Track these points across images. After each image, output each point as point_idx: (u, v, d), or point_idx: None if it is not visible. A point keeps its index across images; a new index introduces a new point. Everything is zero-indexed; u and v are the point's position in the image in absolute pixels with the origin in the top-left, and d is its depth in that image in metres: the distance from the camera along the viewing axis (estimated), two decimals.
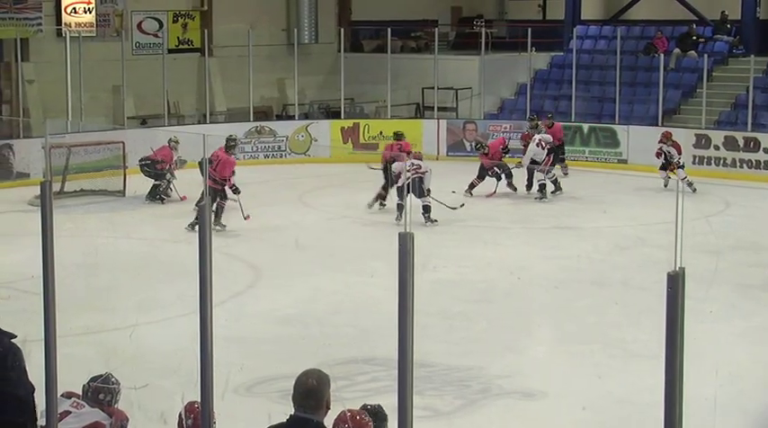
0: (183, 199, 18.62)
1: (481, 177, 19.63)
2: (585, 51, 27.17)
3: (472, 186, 19.51)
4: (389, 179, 17.61)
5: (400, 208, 16.68)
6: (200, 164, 17.84)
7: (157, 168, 18.93)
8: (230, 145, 16.91)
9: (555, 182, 19.67)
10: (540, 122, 21.08)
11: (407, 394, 4.05)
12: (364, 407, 5.93)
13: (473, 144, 21.69)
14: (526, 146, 20.20)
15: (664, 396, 3.57)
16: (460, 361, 10.46)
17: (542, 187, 19.23)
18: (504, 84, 26.70)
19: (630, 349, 10.72)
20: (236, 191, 16.51)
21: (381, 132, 24.72)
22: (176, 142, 19.00)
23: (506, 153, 20.16)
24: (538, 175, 19.26)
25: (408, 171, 16.66)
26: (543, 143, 19.68)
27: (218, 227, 15.85)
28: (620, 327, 11.58)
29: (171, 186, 19.02)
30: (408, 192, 16.52)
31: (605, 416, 9.28)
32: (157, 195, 18.97)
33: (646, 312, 11.14)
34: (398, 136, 19.45)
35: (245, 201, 16.57)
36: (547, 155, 19.64)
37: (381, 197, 18.00)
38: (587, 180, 21.31)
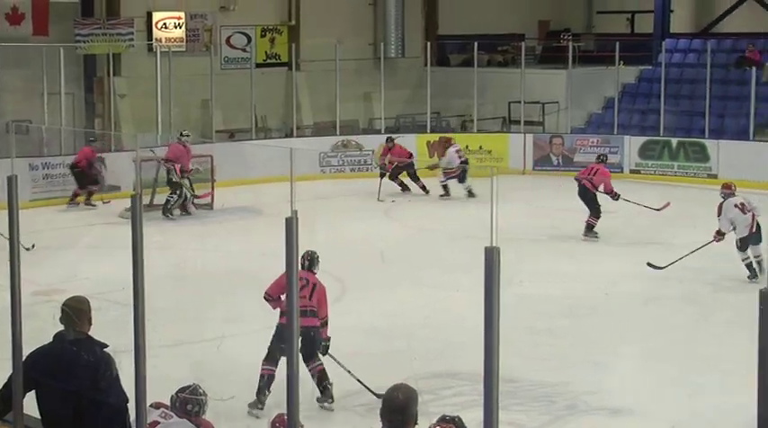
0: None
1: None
2: (675, 65, 26.85)
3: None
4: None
5: None
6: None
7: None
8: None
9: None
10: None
11: (493, 409, 4.03)
12: (443, 418, 5.91)
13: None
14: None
15: (757, 416, 3.51)
16: (546, 376, 10.38)
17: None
18: (591, 98, 26.49)
19: (721, 367, 10.54)
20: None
21: (467, 146, 24.67)
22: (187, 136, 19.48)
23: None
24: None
25: None
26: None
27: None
28: (711, 345, 11.40)
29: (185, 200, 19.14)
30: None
31: None
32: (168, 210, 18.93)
33: (737, 329, 10.93)
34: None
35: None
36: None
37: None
38: (676, 195, 21.00)
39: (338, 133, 24.58)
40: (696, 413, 9.50)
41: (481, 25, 29.12)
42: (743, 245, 14.05)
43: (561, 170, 24.13)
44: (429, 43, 26.96)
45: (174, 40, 24.75)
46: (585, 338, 11.82)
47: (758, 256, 14.17)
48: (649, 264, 14.20)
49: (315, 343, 9.65)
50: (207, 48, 24.95)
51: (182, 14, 24.97)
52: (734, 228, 14.07)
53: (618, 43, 25.22)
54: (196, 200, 19.50)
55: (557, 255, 15.98)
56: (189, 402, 6.75)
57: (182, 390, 6.80)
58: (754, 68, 24.00)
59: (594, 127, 25.97)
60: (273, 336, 9.60)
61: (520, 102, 25.21)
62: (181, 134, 19.69)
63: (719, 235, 14.20)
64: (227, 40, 26.04)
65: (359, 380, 9.36)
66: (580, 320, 12.61)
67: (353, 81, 26.18)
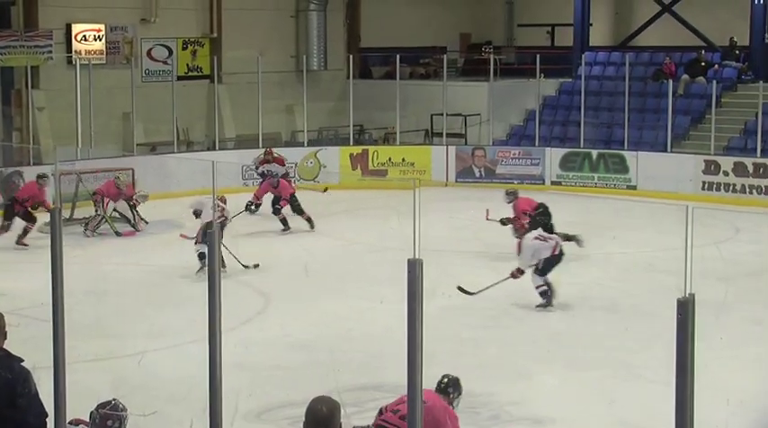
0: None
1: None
2: (594, 77, 27.23)
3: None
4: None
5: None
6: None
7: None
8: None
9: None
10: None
11: (417, 420, 4.04)
12: None
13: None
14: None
15: (675, 423, 3.55)
16: (470, 387, 10.35)
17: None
18: (512, 110, 26.74)
19: (641, 375, 10.68)
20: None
21: (390, 158, 24.77)
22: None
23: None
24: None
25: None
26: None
27: None
28: (631, 353, 11.53)
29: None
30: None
31: None
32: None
33: (656, 338, 11.09)
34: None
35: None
36: None
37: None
38: (596, 206, 21.27)
39: (261, 146, 24.46)
40: (618, 421, 9.60)
41: (403, 38, 29.28)
42: (544, 268, 13.59)
43: (483, 182, 24.30)
44: (351, 56, 27.02)
45: (94, 53, 24.48)
46: (509, 349, 11.90)
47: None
48: (460, 288, 13.61)
49: None
50: (127, 60, 24.73)
51: (101, 27, 24.71)
52: (537, 261, 13.56)
53: (538, 56, 25.48)
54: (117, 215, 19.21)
55: (480, 266, 16.05)
56: (109, 418, 6.65)
57: (102, 406, 6.70)
58: (670, 81, 24.39)
59: (516, 139, 26.20)
60: None
61: (442, 114, 25.35)
62: (117, 177, 19.32)
63: (519, 272, 13.63)
64: (148, 53, 25.82)
65: None
66: (503, 331, 12.69)
67: (276, 93, 26.12)
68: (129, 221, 18.91)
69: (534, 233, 14.16)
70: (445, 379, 7.72)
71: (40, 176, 18.24)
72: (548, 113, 26.57)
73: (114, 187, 18.87)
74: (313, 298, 13.98)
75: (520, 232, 14.42)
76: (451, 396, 7.69)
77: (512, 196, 16.61)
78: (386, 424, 7.25)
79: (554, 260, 13.64)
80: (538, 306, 13.55)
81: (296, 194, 19.28)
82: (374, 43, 29.48)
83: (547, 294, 13.58)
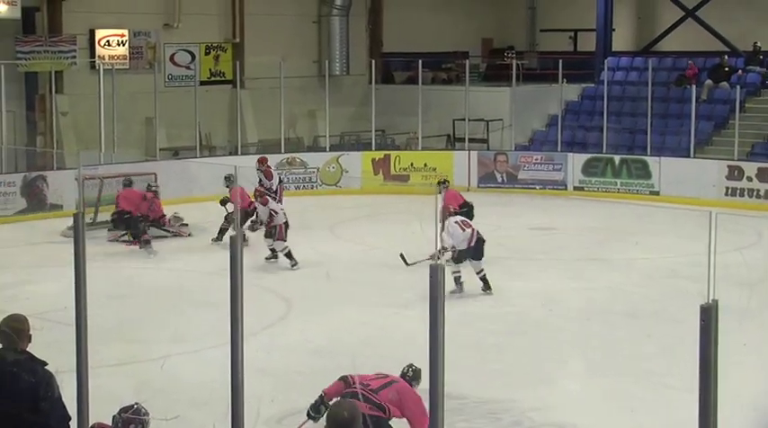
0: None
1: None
2: (617, 83, 27.14)
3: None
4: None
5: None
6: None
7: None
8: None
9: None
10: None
11: (439, 425, 4.03)
12: None
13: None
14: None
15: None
16: (492, 393, 10.40)
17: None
18: (535, 115, 26.69)
19: (664, 381, 10.63)
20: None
21: (412, 163, 24.77)
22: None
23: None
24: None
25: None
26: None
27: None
28: (654, 360, 11.48)
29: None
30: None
31: None
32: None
33: (679, 344, 11.02)
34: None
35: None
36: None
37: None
38: (619, 211, 21.19)
39: (283, 151, 24.53)
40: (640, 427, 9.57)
41: (425, 43, 29.29)
42: (459, 257, 14.42)
43: (506, 187, 24.28)
44: (373, 61, 27.05)
45: (118, 58, 24.60)
46: (530, 354, 11.86)
47: (480, 272, 14.47)
48: (401, 256, 15.03)
49: None
50: (150, 65, 24.84)
51: (125, 32, 24.83)
52: (454, 245, 14.37)
53: (561, 61, 25.44)
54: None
55: (502, 272, 16.02)
56: (131, 422, 6.68)
57: (124, 410, 6.73)
58: (693, 86, 24.29)
59: (538, 144, 26.15)
60: None
61: (464, 119, 25.34)
62: (148, 185, 19.15)
63: (443, 249, 14.34)
64: (171, 58, 25.93)
65: None
66: (525, 336, 12.65)
67: (298, 98, 26.17)
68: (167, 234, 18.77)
69: (458, 217, 15.11)
70: (410, 371, 8.45)
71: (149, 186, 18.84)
72: (570, 118, 26.51)
73: (140, 199, 18.49)
74: (334, 303, 13.98)
75: (447, 214, 15.43)
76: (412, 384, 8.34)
77: (442, 186, 17.75)
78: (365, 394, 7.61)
79: (466, 252, 14.41)
80: (452, 291, 13.92)
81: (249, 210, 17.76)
82: (396, 48, 29.50)
83: (459, 281, 14.34)
